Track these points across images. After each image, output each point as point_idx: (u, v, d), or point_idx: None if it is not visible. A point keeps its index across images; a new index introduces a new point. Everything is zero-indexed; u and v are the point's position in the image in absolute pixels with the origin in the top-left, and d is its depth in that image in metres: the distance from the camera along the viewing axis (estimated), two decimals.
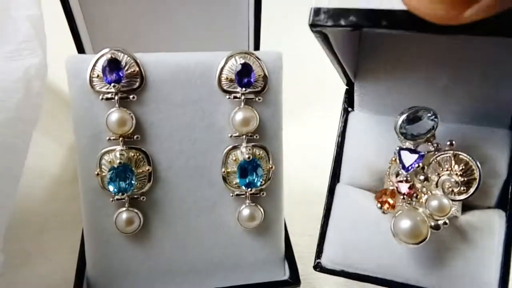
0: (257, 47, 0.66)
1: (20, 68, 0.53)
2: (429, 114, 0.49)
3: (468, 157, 0.49)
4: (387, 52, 0.56)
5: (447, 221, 0.48)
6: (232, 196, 0.54)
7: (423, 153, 0.50)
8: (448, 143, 0.50)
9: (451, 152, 0.50)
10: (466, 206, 0.52)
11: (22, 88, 0.52)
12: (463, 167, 0.50)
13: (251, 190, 0.53)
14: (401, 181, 0.50)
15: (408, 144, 0.50)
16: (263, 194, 0.54)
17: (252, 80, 0.52)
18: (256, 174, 0.53)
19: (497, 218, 0.51)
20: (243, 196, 0.54)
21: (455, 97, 0.54)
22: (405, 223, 0.47)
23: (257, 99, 0.53)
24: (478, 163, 0.49)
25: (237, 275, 0.56)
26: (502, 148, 0.52)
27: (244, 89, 0.52)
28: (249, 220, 0.54)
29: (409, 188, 0.49)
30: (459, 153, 0.50)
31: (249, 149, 0.53)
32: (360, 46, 0.57)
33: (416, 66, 0.55)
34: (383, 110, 0.57)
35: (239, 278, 0.56)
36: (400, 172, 0.50)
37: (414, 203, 0.50)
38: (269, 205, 0.55)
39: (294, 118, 0.67)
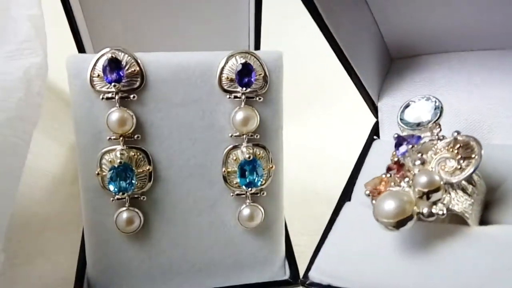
0: (257, 47, 0.66)
1: (20, 67, 0.53)
2: (431, 103, 0.47)
3: (469, 137, 0.44)
4: (413, 74, 0.58)
5: (445, 211, 0.42)
6: (233, 195, 0.54)
7: (420, 136, 0.47)
8: (456, 133, 0.45)
9: (452, 137, 0.46)
10: (487, 222, 0.47)
11: (22, 88, 0.51)
12: (462, 146, 0.45)
13: (251, 190, 0.53)
14: (393, 161, 0.47)
15: (407, 133, 0.48)
16: (263, 193, 0.54)
17: (252, 79, 0.52)
18: (256, 173, 0.53)
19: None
20: (244, 195, 0.54)
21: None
22: (389, 203, 0.42)
23: (257, 98, 0.53)
24: (480, 143, 0.44)
25: (237, 275, 0.56)
26: None
27: (244, 88, 0.52)
28: (249, 220, 0.54)
29: (399, 166, 0.46)
30: (459, 136, 0.45)
31: (250, 149, 0.53)
32: (388, 70, 0.59)
33: (444, 86, 0.56)
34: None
35: (239, 278, 0.56)
36: (394, 153, 0.47)
37: (405, 187, 0.45)
38: (269, 205, 0.56)
39: (294, 118, 0.67)
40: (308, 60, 0.76)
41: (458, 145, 0.45)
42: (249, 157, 0.52)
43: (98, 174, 0.51)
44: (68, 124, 0.53)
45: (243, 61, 0.52)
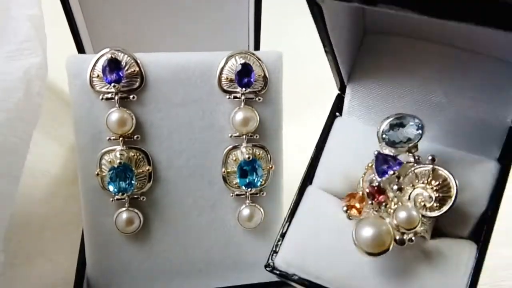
0: (257, 47, 0.66)
1: (20, 68, 0.53)
2: (414, 123, 0.47)
3: (447, 173, 0.46)
4: (386, 55, 0.54)
5: (413, 238, 0.44)
6: (232, 196, 0.54)
7: (401, 161, 0.47)
8: (430, 157, 0.46)
9: (431, 166, 0.46)
10: (437, 232, 0.49)
11: (22, 88, 0.52)
12: (440, 182, 0.46)
13: (251, 190, 0.54)
14: (372, 187, 0.46)
15: (388, 151, 0.48)
16: (263, 194, 0.55)
17: (252, 80, 0.52)
18: (256, 174, 0.53)
19: (468, 250, 0.48)
20: (243, 196, 0.54)
21: (447, 116, 0.52)
22: (368, 231, 0.43)
23: (257, 99, 0.53)
24: (456, 181, 0.46)
25: (237, 275, 0.56)
26: (486, 179, 0.49)
27: (244, 89, 0.52)
28: (249, 220, 0.54)
29: (379, 193, 0.46)
30: (439, 168, 0.46)
31: (249, 149, 0.53)
32: (360, 45, 0.56)
33: (415, 75, 0.53)
34: (371, 119, 0.55)
35: (239, 278, 0.56)
36: (374, 178, 0.47)
37: (382, 212, 0.46)
38: (269, 205, 0.56)
39: (294, 118, 0.67)
40: (308, 60, 0.76)
41: (437, 182, 0.46)
42: (248, 158, 0.52)
43: (97, 174, 0.51)
44: (68, 124, 0.53)
45: (242, 61, 0.52)
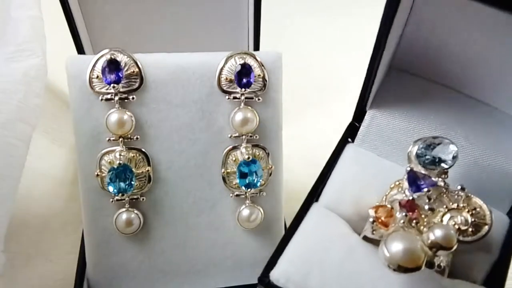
0: (256, 47, 0.66)
1: (20, 69, 0.53)
2: (450, 148, 0.46)
3: (480, 201, 0.45)
4: (408, 93, 0.55)
5: (444, 264, 0.43)
6: (232, 196, 0.54)
7: (434, 181, 0.45)
8: (459, 187, 0.45)
9: (463, 193, 0.46)
10: (449, 275, 0.47)
11: (22, 90, 0.52)
12: (474, 210, 0.45)
13: (250, 191, 0.53)
14: (406, 200, 0.44)
15: (415, 167, 0.46)
16: (263, 194, 0.54)
17: (251, 80, 0.52)
18: (255, 174, 0.53)
19: None
20: (243, 196, 0.54)
21: (464, 160, 0.52)
22: (402, 244, 0.40)
23: (256, 99, 0.53)
24: (491, 210, 0.45)
25: (237, 275, 0.56)
26: (497, 230, 0.48)
27: (243, 89, 0.52)
28: (248, 221, 0.54)
29: (411, 208, 0.44)
30: (472, 196, 0.45)
31: (249, 150, 0.53)
32: (385, 77, 0.56)
33: (437, 116, 0.54)
34: (385, 150, 0.55)
35: (239, 278, 0.56)
36: (405, 193, 0.45)
37: (412, 229, 0.44)
38: (269, 205, 0.55)
39: (294, 118, 0.67)
40: (308, 60, 0.76)
41: (472, 209, 0.45)
42: (248, 158, 0.52)
43: (97, 175, 0.51)
44: (67, 125, 0.53)
45: (242, 62, 0.52)
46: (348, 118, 0.57)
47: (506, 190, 0.51)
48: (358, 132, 0.57)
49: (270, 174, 0.54)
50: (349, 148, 0.56)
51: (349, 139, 0.57)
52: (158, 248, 0.54)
